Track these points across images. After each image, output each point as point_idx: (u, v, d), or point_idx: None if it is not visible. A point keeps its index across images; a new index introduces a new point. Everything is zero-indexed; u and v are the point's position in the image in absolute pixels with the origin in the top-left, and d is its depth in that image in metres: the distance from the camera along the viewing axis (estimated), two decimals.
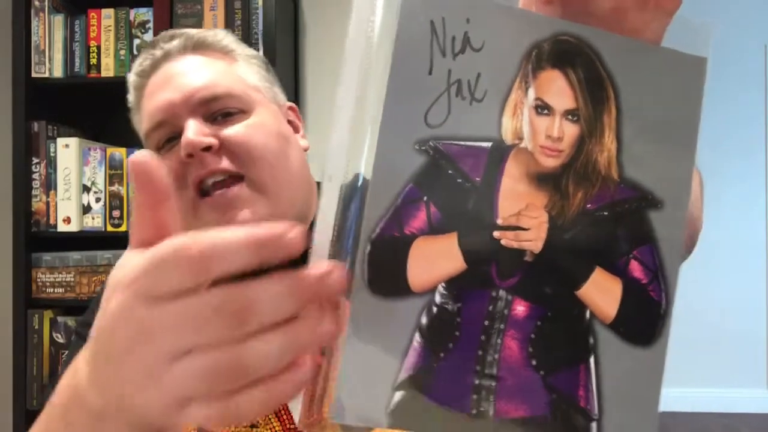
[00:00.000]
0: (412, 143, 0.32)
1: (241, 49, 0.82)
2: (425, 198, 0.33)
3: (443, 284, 0.33)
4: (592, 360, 0.35)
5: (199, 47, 0.78)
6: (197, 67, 0.77)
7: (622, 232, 0.35)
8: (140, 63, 0.79)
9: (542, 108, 0.34)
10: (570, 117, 0.34)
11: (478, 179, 0.33)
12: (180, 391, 0.30)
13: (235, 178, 0.71)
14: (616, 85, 0.35)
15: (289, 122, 0.83)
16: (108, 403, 0.32)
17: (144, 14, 1.98)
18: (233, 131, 0.73)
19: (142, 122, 0.78)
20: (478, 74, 0.33)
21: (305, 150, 0.83)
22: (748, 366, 3.63)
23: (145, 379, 0.30)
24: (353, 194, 0.32)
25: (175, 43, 0.78)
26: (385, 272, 0.32)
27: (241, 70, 0.79)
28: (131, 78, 0.81)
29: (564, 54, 0.34)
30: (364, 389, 0.32)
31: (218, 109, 0.74)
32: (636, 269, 0.35)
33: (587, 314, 0.35)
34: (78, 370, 0.36)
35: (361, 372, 0.32)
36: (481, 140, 0.33)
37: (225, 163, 0.71)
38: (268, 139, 0.74)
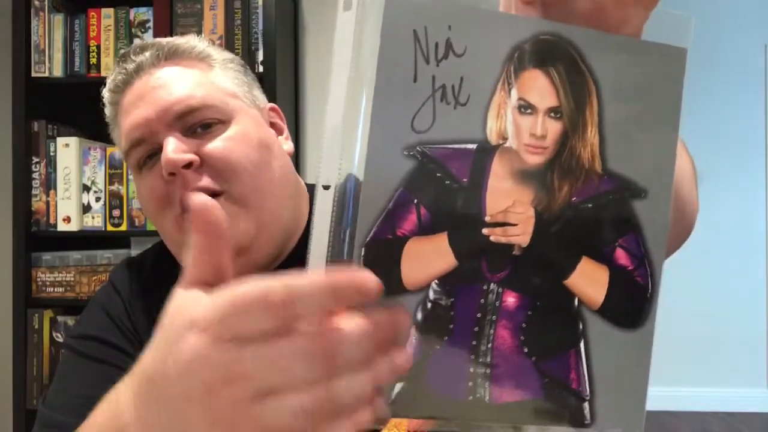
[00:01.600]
0: (400, 149, 0.34)
1: (217, 54, 0.79)
2: (415, 201, 0.34)
3: (436, 281, 0.35)
4: (582, 344, 0.36)
5: (171, 56, 0.76)
6: (171, 79, 0.74)
7: (607, 222, 0.37)
8: (113, 78, 0.77)
9: (525, 107, 0.35)
10: (553, 114, 0.35)
11: (465, 180, 0.35)
12: (263, 431, 0.30)
13: (216, 194, 0.70)
14: (597, 80, 0.36)
15: (272, 124, 0.82)
16: None
17: (144, 14, 1.99)
18: (213, 146, 0.71)
19: (120, 139, 0.76)
20: (461, 78, 0.34)
21: (289, 154, 0.82)
22: (748, 366, 3.63)
23: (224, 421, 0.31)
24: (347, 198, 0.34)
25: (147, 54, 0.75)
26: (380, 273, 0.33)
27: (217, 76, 0.77)
28: (106, 95, 0.79)
29: (545, 53, 0.35)
30: None
31: (196, 122, 0.72)
32: (622, 257, 0.37)
33: (575, 302, 0.36)
34: (122, 411, 0.36)
35: None
36: (466, 142, 0.35)
37: (205, 181, 0.70)
38: (249, 150, 0.72)
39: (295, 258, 0.77)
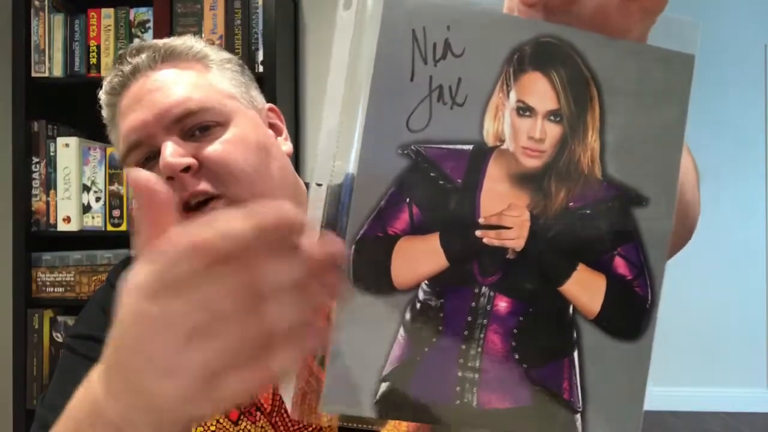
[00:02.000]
0: (394, 148, 0.33)
1: (214, 54, 0.78)
2: (408, 200, 0.34)
3: (426, 281, 0.34)
4: (576, 354, 0.36)
5: (168, 58, 0.75)
6: (168, 82, 0.73)
7: (605, 230, 0.36)
8: (109, 81, 0.76)
9: (524, 110, 0.35)
10: (552, 118, 0.35)
11: (459, 181, 0.34)
12: (204, 370, 0.30)
13: (215, 198, 0.70)
14: (600, 85, 0.35)
15: (271, 125, 0.81)
16: (129, 409, 0.33)
17: (144, 14, 1.99)
18: (211, 150, 0.71)
19: (118, 142, 0.76)
20: (459, 79, 0.34)
21: (288, 155, 0.81)
22: (748, 366, 3.63)
23: (164, 370, 0.31)
24: (344, 195, 0.34)
25: (143, 56, 0.74)
26: (370, 271, 0.33)
27: (215, 78, 0.76)
28: (102, 97, 0.78)
29: (546, 55, 0.35)
30: (352, 381, 0.34)
31: (194, 125, 0.71)
32: (621, 266, 0.36)
33: (570, 310, 0.35)
34: (92, 387, 0.36)
35: (349, 364, 0.34)
36: (462, 143, 0.34)
37: (204, 185, 0.70)
38: (247, 153, 0.72)
39: None
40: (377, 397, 0.34)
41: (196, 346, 0.30)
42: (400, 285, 0.34)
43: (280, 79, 1.97)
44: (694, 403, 3.52)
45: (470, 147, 0.34)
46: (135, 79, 0.74)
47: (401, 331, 0.34)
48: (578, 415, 0.36)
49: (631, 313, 0.36)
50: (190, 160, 0.69)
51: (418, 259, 0.34)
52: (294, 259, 0.31)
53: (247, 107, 0.77)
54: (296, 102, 2.23)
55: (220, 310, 0.30)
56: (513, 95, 0.34)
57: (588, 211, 0.35)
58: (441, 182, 0.34)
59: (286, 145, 0.82)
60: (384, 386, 0.34)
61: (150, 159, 0.73)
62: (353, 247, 0.33)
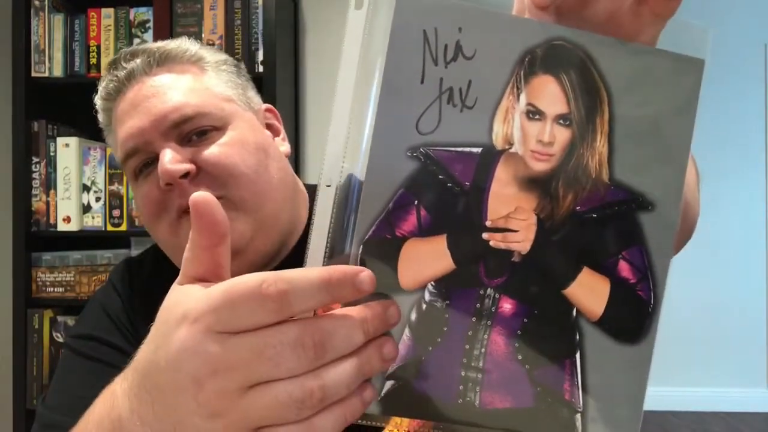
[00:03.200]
0: (404, 150, 0.34)
1: (209, 56, 0.78)
2: (416, 202, 0.34)
3: (432, 283, 0.34)
4: (578, 356, 0.36)
5: (164, 62, 0.74)
6: (164, 87, 0.73)
7: (611, 233, 0.36)
8: (105, 86, 0.76)
9: (533, 113, 0.35)
10: (561, 121, 0.35)
11: (467, 183, 0.34)
12: (253, 421, 0.31)
13: None
14: (610, 89, 0.35)
15: (268, 126, 0.81)
16: None
17: (144, 14, 1.99)
18: (209, 153, 0.70)
19: (116, 148, 0.76)
20: (469, 81, 0.34)
21: (286, 155, 0.81)
22: (748, 366, 3.63)
23: (213, 412, 0.31)
24: (349, 197, 0.34)
25: (138, 61, 0.74)
26: (376, 272, 0.33)
27: (211, 81, 0.75)
28: (98, 102, 0.78)
29: (557, 59, 0.35)
30: None
31: (191, 130, 0.71)
32: (624, 269, 0.36)
33: (574, 312, 0.36)
34: (116, 403, 0.36)
35: None
36: (471, 146, 0.34)
37: (203, 189, 0.68)
38: (246, 155, 0.72)
39: (293, 259, 0.77)
40: (382, 394, 0.34)
41: (254, 395, 0.30)
42: (407, 286, 0.34)
43: (280, 79, 1.97)
44: (694, 403, 3.52)
45: (479, 150, 0.34)
46: (130, 84, 0.74)
47: (406, 330, 0.34)
48: (578, 416, 0.36)
49: (633, 316, 0.36)
50: (188, 166, 0.69)
51: (425, 260, 0.34)
52: (356, 322, 0.31)
53: (245, 109, 0.77)
54: (296, 102, 2.23)
55: (285, 363, 0.30)
56: (523, 98, 0.34)
57: (594, 215, 0.36)
58: (449, 185, 0.34)
59: (284, 146, 0.82)
60: (389, 384, 0.34)
61: (148, 165, 0.73)
62: (360, 248, 0.33)
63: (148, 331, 0.76)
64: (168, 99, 0.72)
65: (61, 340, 1.96)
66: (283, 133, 0.84)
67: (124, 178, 1.97)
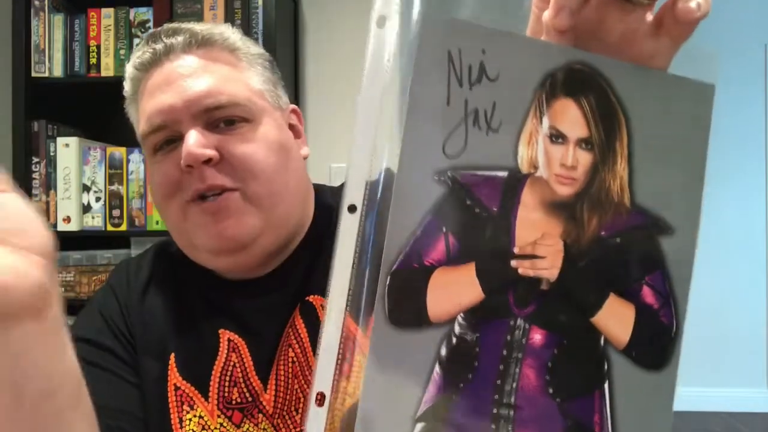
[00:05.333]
0: (431, 174, 0.33)
1: (247, 48, 0.78)
2: (444, 229, 0.33)
3: (462, 314, 0.33)
4: (606, 386, 0.35)
5: (204, 44, 0.74)
6: (201, 70, 0.73)
7: (634, 258, 0.35)
8: (140, 56, 0.75)
9: (556, 137, 0.34)
10: (583, 145, 0.35)
11: (495, 209, 0.34)
12: None
13: (230, 190, 0.70)
14: (627, 113, 0.35)
15: (291, 127, 0.81)
16: None
17: (144, 14, 1.98)
18: (235, 147, 0.71)
19: (139, 121, 0.75)
20: (493, 104, 0.33)
21: (305, 158, 0.81)
22: (748, 366, 3.63)
23: None
24: (368, 225, 0.33)
25: (180, 39, 0.73)
26: (405, 304, 0.32)
27: (247, 74, 0.76)
28: (129, 70, 0.77)
29: (577, 82, 0.34)
30: (385, 421, 0.33)
31: (220, 117, 0.71)
32: (648, 295, 0.36)
33: (602, 340, 0.35)
34: None
35: (382, 404, 0.32)
36: (497, 169, 0.34)
37: (223, 179, 0.70)
38: (269, 154, 0.72)
39: (294, 260, 0.77)
40: None
41: None
42: (436, 318, 0.33)
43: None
44: (694, 403, 3.52)
45: (505, 174, 0.34)
46: (168, 59, 0.73)
47: (437, 367, 0.33)
48: None
49: (657, 342, 0.36)
50: (212, 153, 0.69)
51: (455, 290, 0.33)
52: None
53: (274, 107, 0.77)
54: (296, 102, 2.23)
55: None
56: (546, 121, 0.34)
57: (618, 240, 0.35)
58: (477, 210, 0.33)
59: (304, 149, 0.82)
60: (419, 427, 0.33)
61: (170, 142, 0.73)
62: (388, 279, 0.32)
63: (145, 334, 0.76)
64: (203, 82, 0.71)
65: None
66: (303, 136, 0.84)
67: (125, 179, 1.97)
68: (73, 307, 2.15)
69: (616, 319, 0.35)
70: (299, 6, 2.27)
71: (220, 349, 0.74)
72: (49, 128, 1.98)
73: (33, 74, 1.98)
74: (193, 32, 0.74)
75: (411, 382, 0.33)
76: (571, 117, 0.34)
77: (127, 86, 0.78)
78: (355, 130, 0.33)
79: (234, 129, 0.72)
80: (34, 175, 1.98)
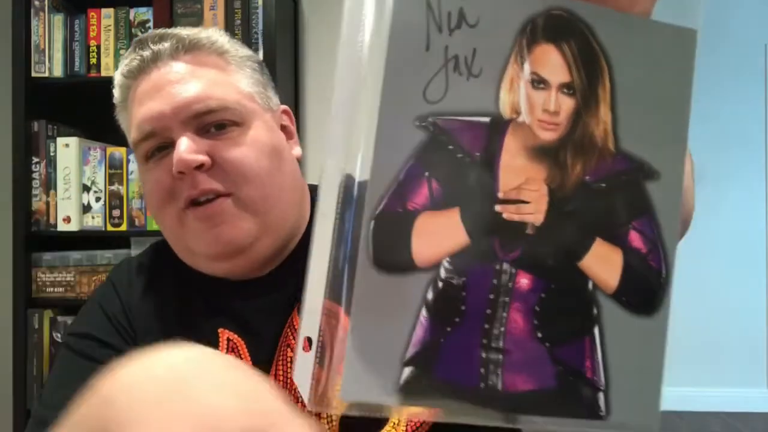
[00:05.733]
0: (412, 120, 0.33)
1: (235, 50, 0.77)
2: (427, 174, 0.33)
3: (447, 259, 0.33)
4: (596, 331, 0.35)
5: (191, 49, 0.74)
6: (189, 76, 0.72)
7: (620, 203, 0.35)
8: (127, 63, 0.75)
9: (538, 82, 0.34)
10: (565, 90, 0.34)
11: (478, 154, 0.33)
12: None
13: (223, 195, 0.70)
14: (609, 59, 0.35)
15: (283, 127, 0.81)
16: None
17: (144, 14, 1.99)
18: (226, 152, 0.71)
19: (130, 130, 0.75)
20: (474, 50, 0.33)
21: (298, 159, 0.81)
22: (748, 366, 3.63)
23: None
24: (347, 205, 0.33)
25: (166, 45, 0.73)
26: (390, 248, 0.32)
27: (236, 77, 0.75)
28: (117, 77, 0.77)
29: (557, 28, 0.34)
30: (373, 367, 0.32)
31: (211, 122, 0.71)
32: (635, 239, 0.35)
33: (590, 285, 0.35)
34: None
35: (369, 350, 0.32)
36: (479, 115, 0.34)
37: (215, 184, 0.70)
38: (261, 157, 0.72)
39: (291, 263, 0.77)
40: (401, 382, 0.33)
41: None
42: (422, 262, 0.33)
43: (280, 79, 1.97)
44: (694, 403, 3.53)
45: (487, 119, 0.34)
46: (155, 66, 0.73)
47: (423, 311, 0.33)
48: (601, 394, 0.35)
49: (647, 287, 0.36)
50: (203, 158, 0.69)
51: (439, 235, 0.33)
52: None
53: (264, 109, 0.77)
54: (296, 102, 2.23)
55: None
56: (527, 67, 0.34)
57: (603, 185, 0.35)
58: (459, 155, 0.33)
59: (297, 149, 0.82)
60: (408, 371, 0.33)
61: (161, 149, 0.73)
62: (372, 223, 0.32)
63: (147, 332, 0.76)
64: (192, 88, 0.71)
65: (61, 340, 1.96)
66: (296, 137, 0.84)
67: (125, 179, 1.97)
68: (73, 307, 2.15)
69: (603, 264, 0.35)
70: (299, 6, 2.27)
71: (219, 348, 0.74)
72: (49, 128, 1.99)
73: (33, 74, 1.98)
74: (179, 37, 0.74)
75: (398, 326, 0.33)
76: (552, 62, 0.34)
77: (116, 93, 0.78)
78: (334, 97, 0.33)
79: (225, 133, 0.72)
80: (34, 175, 1.98)
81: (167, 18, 1.96)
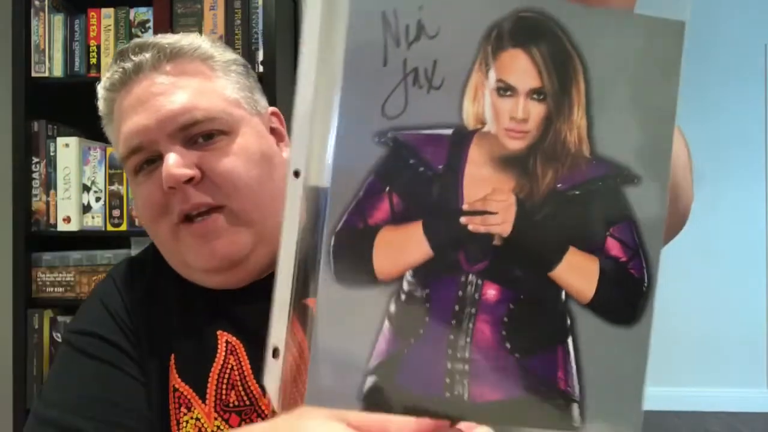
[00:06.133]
0: (370, 136, 0.32)
1: (219, 55, 0.76)
2: (387, 189, 0.33)
3: (410, 272, 0.33)
4: (570, 341, 0.34)
5: (173, 58, 0.73)
6: (173, 87, 0.71)
7: (596, 210, 0.35)
8: (109, 76, 0.74)
9: (504, 89, 0.33)
10: (535, 96, 0.34)
11: (440, 166, 0.33)
12: None
13: (216, 209, 0.70)
14: (585, 59, 0.34)
15: (272, 130, 0.80)
16: None
17: (144, 14, 1.99)
18: (216, 163, 0.70)
19: (117, 144, 0.75)
20: (434, 61, 0.33)
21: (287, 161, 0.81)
22: (748, 366, 3.63)
23: None
24: (321, 202, 0.33)
25: (147, 55, 0.72)
26: (351, 263, 0.32)
27: (220, 83, 0.74)
28: (100, 91, 0.76)
29: (526, 31, 0.33)
30: (336, 375, 0.33)
31: (198, 133, 0.71)
32: (614, 247, 0.35)
33: (563, 295, 0.34)
34: None
35: (333, 359, 0.33)
36: (442, 128, 0.33)
37: (206, 198, 0.69)
38: (251, 166, 0.71)
39: None
40: (364, 391, 0.33)
41: None
42: (384, 276, 0.33)
43: (280, 79, 1.97)
44: (694, 403, 3.53)
45: (450, 131, 0.33)
46: (137, 77, 0.72)
47: (386, 323, 0.33)
48: (575, 405, 0.35)
49: (626, 296, 0.35)
50: (193, 172, 0.69)
51: (401, 249, 0.33)
52: None
53: (252, 114, 0.76)
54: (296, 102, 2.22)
55: None
56: (492, 74, 0.33)
57: (577, 192, 0.34)
58: (421, 169, 0.33)
59: (287, 152, 0.81)
60: (370, 380, 0.33)
61: (150, 162, 0.72)
62: (333, 239, 0.32)
63: (148, 329, 0.76)
64: (176, 99, 0.70)
65: (61, 336, 1.96)
66: (287, 138, 0.82)
67: (125, 178, 1.97)
68: (73, 307, 2.15)
69: (577, 273, 0.34)
70: (299, 6, 2.27)
71: (219, 351, 0.74)
72: (49, 128, 1.99)
73: (33, 74, 1.98)
74: (160, 47, 0.73)
75: (360, 337, 0.33)
76: (520, 68, 0.33)
77: (100, 106, 0.77)
78: (297, 98, 0.33)
79: (213, 143, 0.71)
80: (34, 175, 1.98)
81: (167, 18, 1.96)
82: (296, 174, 0.33)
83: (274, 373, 0.34)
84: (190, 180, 0.69)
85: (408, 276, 0.33)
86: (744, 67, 3.65)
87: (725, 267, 3.63)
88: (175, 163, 0.68)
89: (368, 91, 0.32)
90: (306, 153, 0.33)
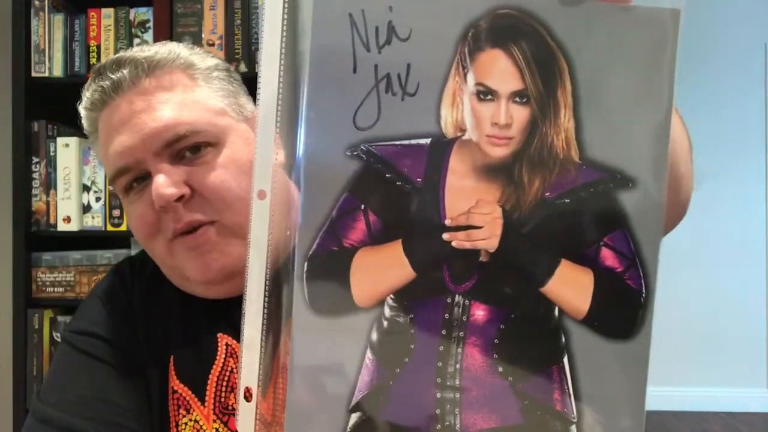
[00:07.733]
0: (342, 149, 0.30)
1: (200, 62, 0.73)
2: (362, 206, 0.31)
3: (392, 296, 0.31)
4: (565, 360, 0.32)
5: (152, 71, 0.70)
6: (154, 102, 0.69)
7: (589, 219, 0.32)
8: (89, 96, 0.73)
9: (484, 93, 0.31)
10: (518, 99, 0.31)
11: (419, 180, 0.31)
12: None
13: (207, 224, 0.69)
14: (570, 56, 0.31)
15: None
16: None
17: (144, 14, 1.98)
18: (205, 178, 0.68)
19: (104, 163, 0.73)
20: (408, 65, 0.30)
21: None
22: (748, 366, 3.63)
23: None
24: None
25: (125, 72, 0.70)
26: (326, 289, 0.30)
27: (203, 93, 0.72)
28: (81, 111, 0.74)
29: (505, 29, 0.31)
30: (317, 415, 0.31)
31: (184, 147, 0.69)
32: (608, 257, 0.32)
33: (556, 312, 0.32)
34: None
35: (311, 396, 0.30)
36: (419, 137, 0.31)
37: (198, 215, 0.68)
38: (241, 178, 0.69)
39: None
40: (348, 430, 0.31)
41: None
42: (363, 302, 0.31)
43: None
44: (694, 403, 3.53)
45: (428, 141, 0.31)
46: (117, 96, 0.70)
47: (368, 353, 0.31)
48: (573, 427, 0.32)
49: (623, 309, 0.32)
50: (182, 190, 0.68)
51: (381, 271, 0.30)
52: None
53: (238, 120, 0.74)
54: None
55: None
56: (471, 78, 0.31)
57: (567, 200, 0.32)
58: (398, 183, 0.31)
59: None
60: (354, 417, 0.31)
61: (140, 180, 0.71)
62: (306, 265, 0.30)
63: (149, 329, 0.76)
64: (159, 116, 0.69)
65: (60, 335, 1.96)
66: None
67: None
68: (73, 307, 2.15)
69: (571, 288, 0.32)
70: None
71: (218, 353, 0.74)
72: (49, 128, 1.98)
73: (33, 74, 1.98)
74: (137, 61, 0.70)
75: (341, 371, 0.30)
76: (500, 69, 0.31)
77: (85, 125, 0.76)
78: (259, 113, 0.30)
79: (200, 156, 0.70)
80: (34, 175, 1.98)
81: (167, 18, 1.96)
82: (261, 195, 0.31)
83: (248, 416, 0.32)
84: (180, 198, 0.68)
85: (389, 300, 0.31)
86: (744, 67, 3.65)
87: (725, 267, 3.63)
88: (164, 183, 0.67)
89: (337, 100, 0.30)
90: (271, 172, 0.30)
